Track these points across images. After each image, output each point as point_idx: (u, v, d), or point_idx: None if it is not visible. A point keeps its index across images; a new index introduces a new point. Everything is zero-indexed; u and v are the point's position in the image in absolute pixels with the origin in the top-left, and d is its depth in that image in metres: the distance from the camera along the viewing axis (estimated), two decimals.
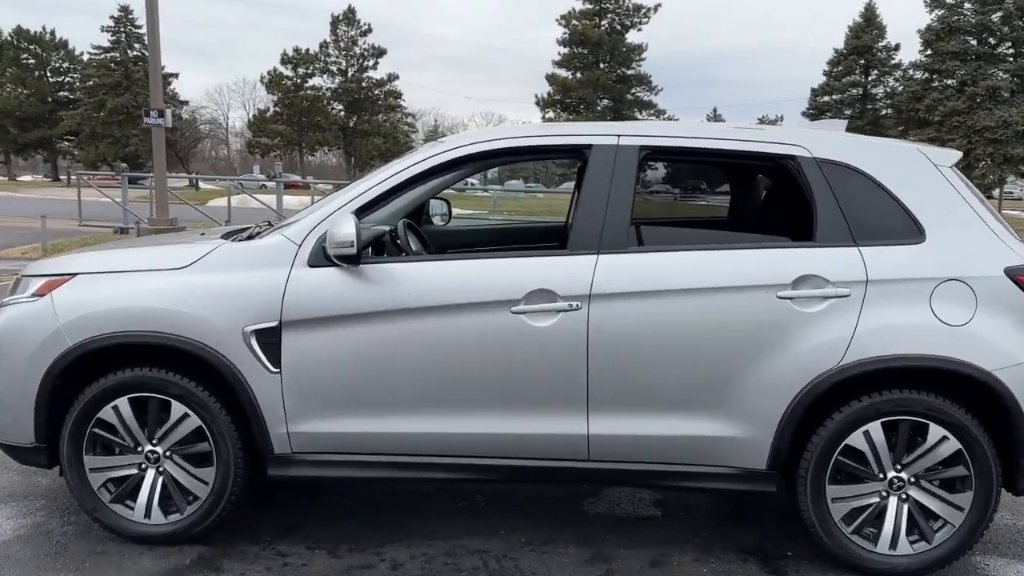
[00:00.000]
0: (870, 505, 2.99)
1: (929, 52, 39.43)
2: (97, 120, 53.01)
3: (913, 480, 2.96)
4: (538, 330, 2.93)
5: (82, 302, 3.05)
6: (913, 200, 3.00)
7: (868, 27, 44.79)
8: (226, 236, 3.39)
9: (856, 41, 45.02)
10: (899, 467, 2.95)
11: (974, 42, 38.38)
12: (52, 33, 59.09)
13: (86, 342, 3.00)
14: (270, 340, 2.99)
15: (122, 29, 54.10)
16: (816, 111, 45.36)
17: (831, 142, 3.13)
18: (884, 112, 45.25)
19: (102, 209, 16.44)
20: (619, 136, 3.13)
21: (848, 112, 44.36)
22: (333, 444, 3.07)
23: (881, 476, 2.95)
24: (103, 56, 54.70)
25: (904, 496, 2.97)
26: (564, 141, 3.26)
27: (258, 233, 3.33)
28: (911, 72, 42.15)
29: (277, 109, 55.20)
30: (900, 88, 43.15)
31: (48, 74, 59.36)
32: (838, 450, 2.94)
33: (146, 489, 3.11)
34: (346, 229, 2.85)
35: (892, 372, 2.91)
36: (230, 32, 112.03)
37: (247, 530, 3.27)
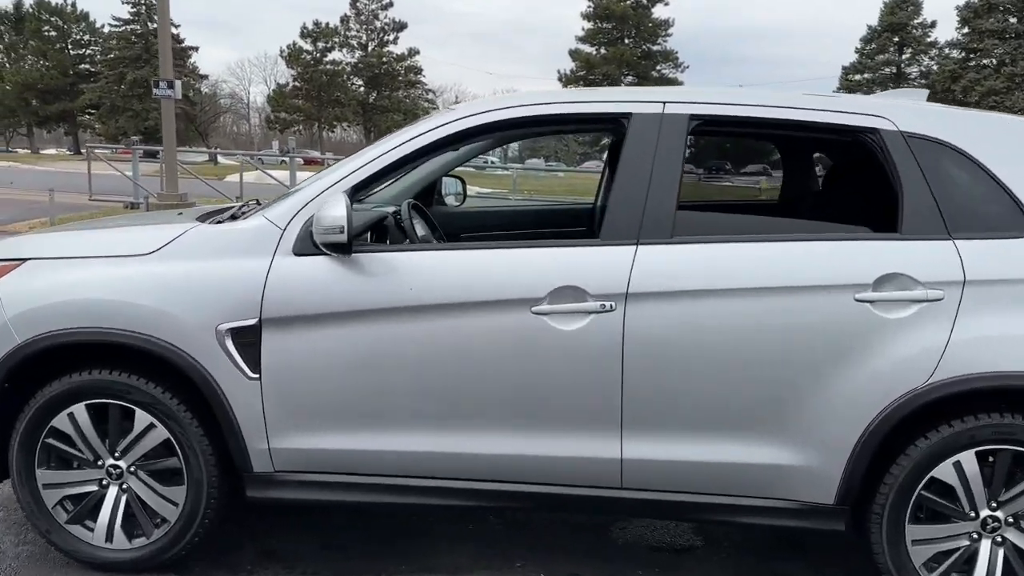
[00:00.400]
0: (958, 549, 2.49)
1: (966, 30, 38.19)
2: (117, 93, 52.85)
3: (1011, 521, 2.46)
4: (564, 334, 2.46)
5: (33, 293, 2.61)
6: (1022, 185, 2.47)
7: (903, 3, 43.35)
8: (206, 217, 2.94)
9: (891, 18, 43.63)
10: (995, 505, 2.45)
11: (1014, 20, 37.02)
12: (73, 5, 58.87)
13: (36, 339, 2.57)
14: (248, 340, 2.54)
15: (142, 1, 53.75)
16: (847, 91, 44.12)
17: (921, 113, 2.60)
18: None
19: (114, 183, 16.08)
20: (664, 103, 2.62)
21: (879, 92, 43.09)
22: (322, 463, 2.62)
23: (973, 515, 2.46)
24: (123, 28, 54.42)
25: (999, 539, 2.47)
26: (597, 109, 2.75)
27: (242, 214, 2.87)
28: (947, 51, 40.79)
29: (296, 84, 54.77)
30: (936, 67, 41.80)
31: (69, 46, 59.18)
32: (922, 484, 2.45)
33: (108, 509, 2.69)
34: (336, 212, 2.38)
35: (992, 393, 2.40)
36: (253, 5, 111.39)
37: (224, 555, 2.85)
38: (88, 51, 59.46)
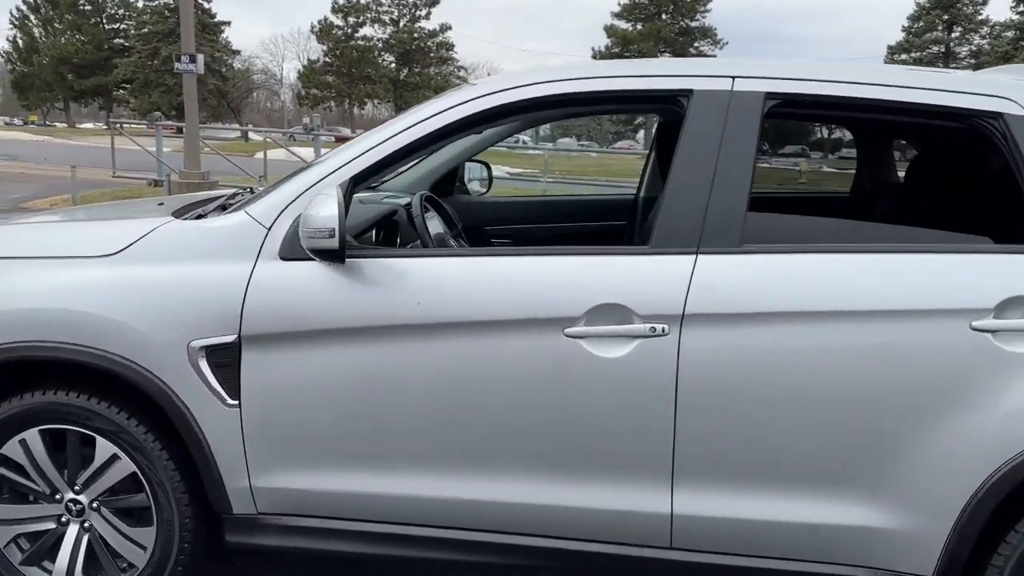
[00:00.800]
0: None
1: (1021, 9, 36.42)
2: (150, 68, 52.93)
3: None
4: (603, 362, 2.01)
5: None
6: None
7: None
8: (188, 209, 2.52)
9: None
10: None
11: None
12: None
13: None
14: (225, 361, 2.13)
15: None
16: None
17: None
18: None
19: (140, 159, 15.86)
20: (734, 78, 2.13)
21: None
22: (313, 506, 2.22)
23: None
24: (157, 3, 54.38)
25: None
26: (648, 85, 2.26)
27: (231, 205, 2.45)
28: (1000, 30, 39.11)
29: (327, 60, 54.41)
30: (987, 47, 40.10)
31: (104, 21, 59.33)
32: None
33: (67, 549, 2.32)
34: (325, 211, 1.94)
35: None
36: None
37: None
38: (122, 26, 59.56)
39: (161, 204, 2.74)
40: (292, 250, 2.10)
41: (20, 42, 59.83)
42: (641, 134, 43.69)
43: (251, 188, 2.87)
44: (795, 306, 1.97)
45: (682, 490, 2.06)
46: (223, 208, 2.43)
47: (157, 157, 14.33)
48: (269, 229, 2.15)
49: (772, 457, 2.02)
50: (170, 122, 22.49)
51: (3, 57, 62.46)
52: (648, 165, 3.63)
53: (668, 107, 2.30)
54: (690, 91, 2.14)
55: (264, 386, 2.14)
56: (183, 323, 2.12)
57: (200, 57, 12.33)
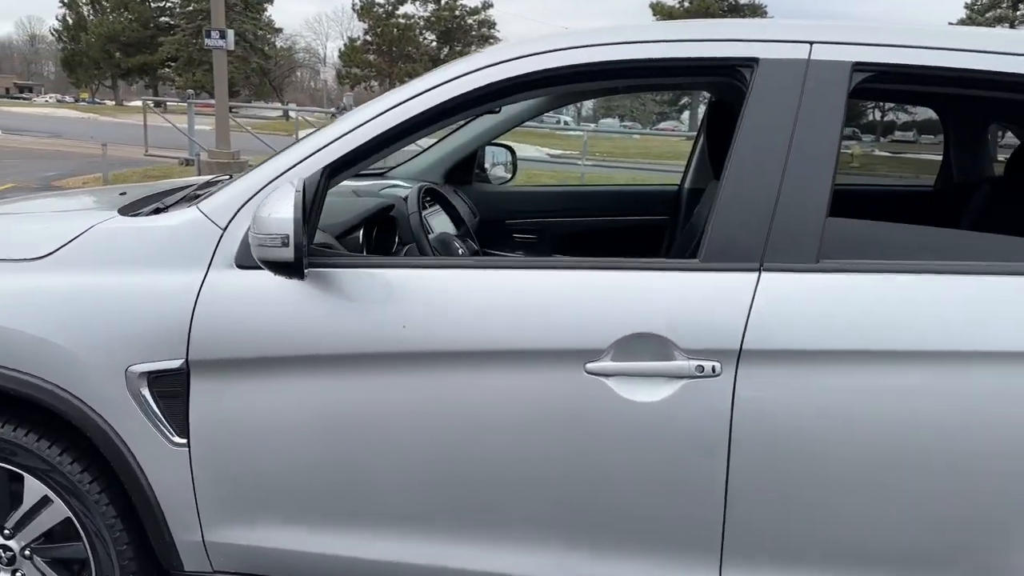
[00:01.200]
0: None
1: None
2: (194, 46, 53.24)
3: None
4: (635, 408, 1.57)
5: None
6: None
7: None
8: (147, 202, 2.13)
9: None
10: None
11: None
12: None
13: None
14: (171, 390, 1.74)
15: None
16: None
17: None
18: None
19: (173, 138, 15.69)
20: (812, 43, 1.65)
21: None
22: (278, 568, 1.83)
23: None
24: None
25: None
26: (699, 52, 1.73)
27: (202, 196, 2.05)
28: None
29: (368, 38, 54.13)
30: None
31: None
32: None
33: None
34: (279, 211, 1.53)
35: None
36: None
37: None
38: (168, 4, 60.07)
39: (123, 194, 2.35)
40: (250, 257, 1.69)
41: (69, 20, 60.80)
42: (686, 115, 42.61)
43: (231, 175, 2.47)
44: (897, 344, 1.51)
45: (734, 571, 1.62)
46: (193, 199, 2.04)
47: (188, 136, 14.12)
48: (224, 230, 1.75)
49: (858, 536, 1.57)
50: (201, 100, 22.32)
51: (54, 35, 63.60)
52: (695, 152, 3.15)
53: (724, 81, 1.82)
54: (754, 60, 1.67)
55: (217, 422, 1.75)
56: (121, 344, 1.73)
57: (230, 33, 12.01)
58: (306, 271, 1.61)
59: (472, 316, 1.64)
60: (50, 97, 73.26)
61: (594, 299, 1.61)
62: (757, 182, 1.60)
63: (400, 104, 1.74)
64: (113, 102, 61.48)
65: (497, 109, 2.73)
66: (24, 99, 65.35)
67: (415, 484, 1.70)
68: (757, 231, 1.58)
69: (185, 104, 17.84)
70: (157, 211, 1.97)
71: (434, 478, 1.69)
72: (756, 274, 1.57)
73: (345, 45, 57.98)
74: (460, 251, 2.17)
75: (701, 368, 1.55)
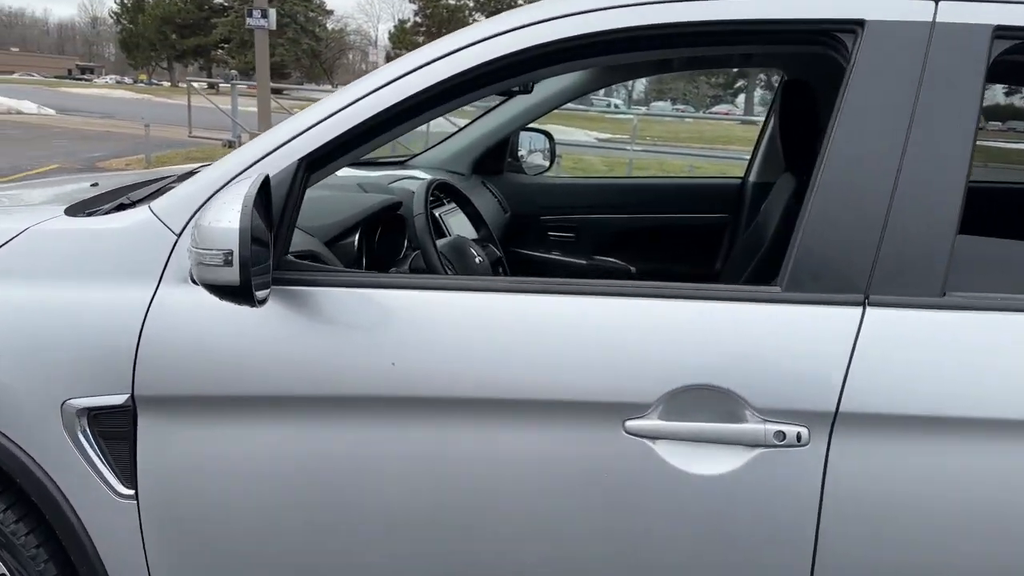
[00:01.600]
0: None
1: None
2: (246, 28, 53.82)
3: None
4: (690, 483, 1.19)
5: None
6: None
7: None
8: (116, 194, 1.81)
9: None
10: None
11: None
12: None
13: None
14: (116, 430, 1.42)
15: None
16: None
17: None
18: None
19: (219, 120, 15.63)
20: (937, 0, 1.24)
21: None
22: None
23: None
24: None
25: None
26: (781, 11, 1.33)
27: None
28: None
29: (417, 20, 53.94)
30: None
31: None
32: None
33: None
34: (222, 220, 1.17)
35: None
36: None
37: None
38: None
39: (95, 184, 2.04)
40: None
41: (127, 2, 61.96)
42: (741, 98, 41.32)
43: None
44: None
45: None
46: (161, 193, 1.70)
47: (231, 117, 14.02)
48: (179, 236, 1.41)
49: None
50: (244, 83, 22.27)
51: (112, 17, 64.98)
52: (763, 140, 2.72)
53: (812, 50, 1.40)
54: (859, 23, 1.25)
55: (170, 471, 1.42)
56: (57, 373, 1.42)
57: (272, 12, 11.81)
58: (270, 291, 1.27)
59: (475, 353, 1.27)
60: (110, 78, 75.04)
61: (637, 336, 1.23)
62: (862, 185, 1.19)
63: (398, 79, 1.37)
64: (169, 83, 62.51)
65: (529, 87, 2.35)
66: (85, 80, 67.01)
67: (403, 558, 1.35)
68: (862, 250, 1.18)
69: (243, 85, 17.77)
70: (121, 208, 1.64)
71: (425, 554, 1.34)
72: (860, 309, 1.17)
73: (395, 27, 57.92)
74: (477, 259, 1.81)
75: (782, 435, 1.16)
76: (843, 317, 1.17)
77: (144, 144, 12.25)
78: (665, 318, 1.23)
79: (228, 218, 1.14)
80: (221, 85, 32.45)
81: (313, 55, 54.68)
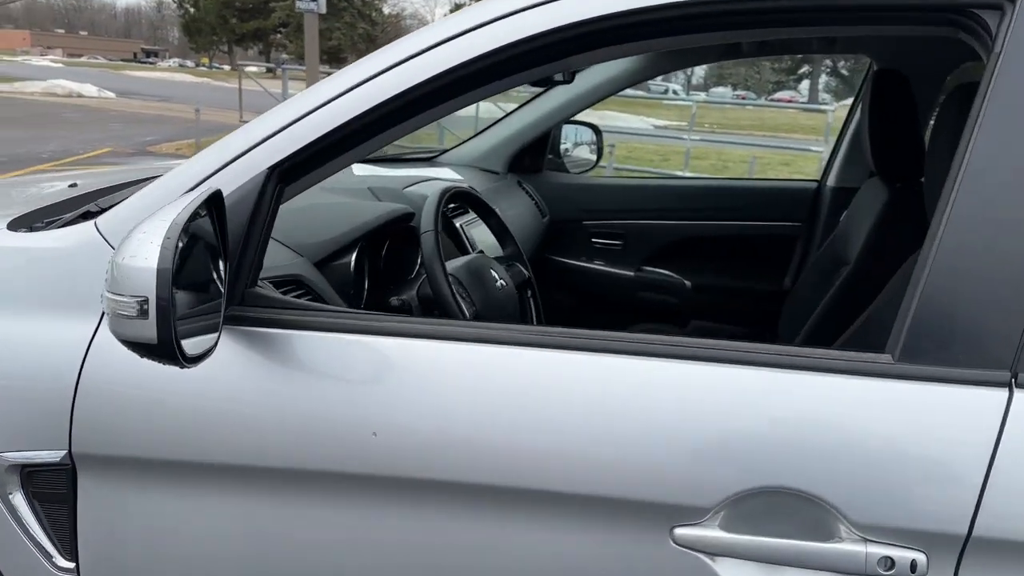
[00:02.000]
0: None
1: None
2: (303, 12, 54.31)
3: None
4: None
5: None
6: None
7: None
8: (87, 199, 1.57)
9: None
10: None
11: None
12: None
13: None
14: (52, 492, 1.18)
15: None
16: None
17: None
18: None
19: (269, 104, 15.64)
20: None
21: None
22: None
23: None
24: None
25: None
26: None
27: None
28: None
29: (468, 3, 53.65)
30: None
31: None
32: None
33: None
34: (138, 258, 0.89)
35: None
36: None
37: None
38: None
39: (73, 185, 1.81)
40: None
41: None
42: (805, 85, 39.93)
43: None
44: None
45: None
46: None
47: (280, 102, 13.95)
48: None
49: None
50: (297, 67, 22.25)
51: (176, 0, 66.28)
52: (844, 139, 2.34)
53: (937, 32, 1.06)
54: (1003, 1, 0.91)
55: (115, 541, 1.18)
56: None
57: None
58: (218, 339, 1.00)
59: (487, 423, 0.98)
60: (173, 62, 76.74)
61: (692, 418, 0.92)
62: (1016, 220, 0.86)
63: (390, 68, 1.09)
64: (229, 67, 63.55)
65: (569, 77, 2.04)
66: (149, 63, 68.67)
67: None
68: (1012, 311, 0.84)
69: (295, 70, 17.70)
70: (87, 216, 1.40)
71: None
72: (1006, 392, 0.84)
73: (451, 11, 57.69)
74: (499, 284, 1.50)
75: (889, 562, 0.84)
76: (982, 402, 0.84)
77: (196, 128, 12.27)
78: (731, 391, 0.92)
79: (144, 254, 0.87)
80: (279, 70, 32.77)
81: (369, 39, 54.87)
